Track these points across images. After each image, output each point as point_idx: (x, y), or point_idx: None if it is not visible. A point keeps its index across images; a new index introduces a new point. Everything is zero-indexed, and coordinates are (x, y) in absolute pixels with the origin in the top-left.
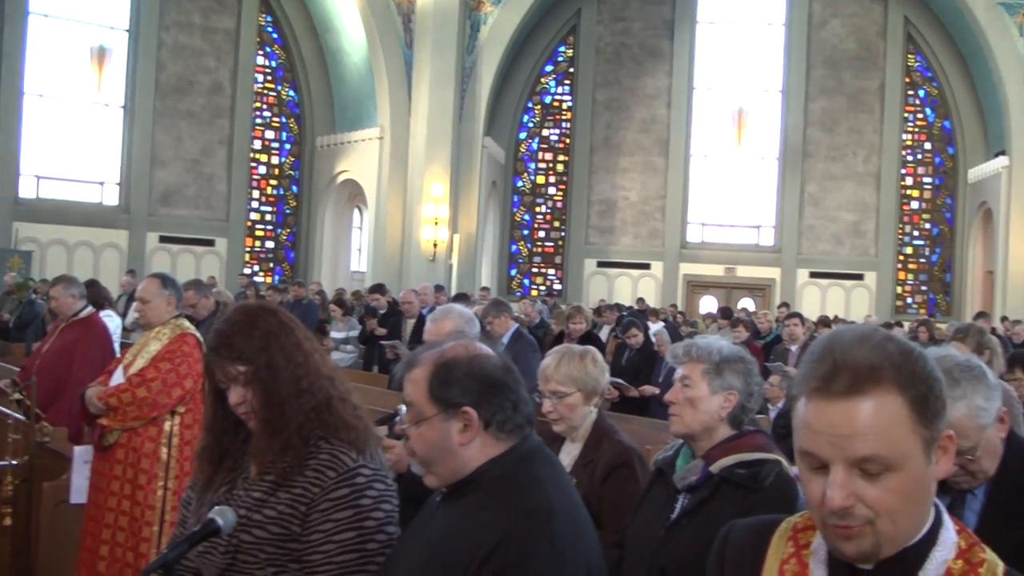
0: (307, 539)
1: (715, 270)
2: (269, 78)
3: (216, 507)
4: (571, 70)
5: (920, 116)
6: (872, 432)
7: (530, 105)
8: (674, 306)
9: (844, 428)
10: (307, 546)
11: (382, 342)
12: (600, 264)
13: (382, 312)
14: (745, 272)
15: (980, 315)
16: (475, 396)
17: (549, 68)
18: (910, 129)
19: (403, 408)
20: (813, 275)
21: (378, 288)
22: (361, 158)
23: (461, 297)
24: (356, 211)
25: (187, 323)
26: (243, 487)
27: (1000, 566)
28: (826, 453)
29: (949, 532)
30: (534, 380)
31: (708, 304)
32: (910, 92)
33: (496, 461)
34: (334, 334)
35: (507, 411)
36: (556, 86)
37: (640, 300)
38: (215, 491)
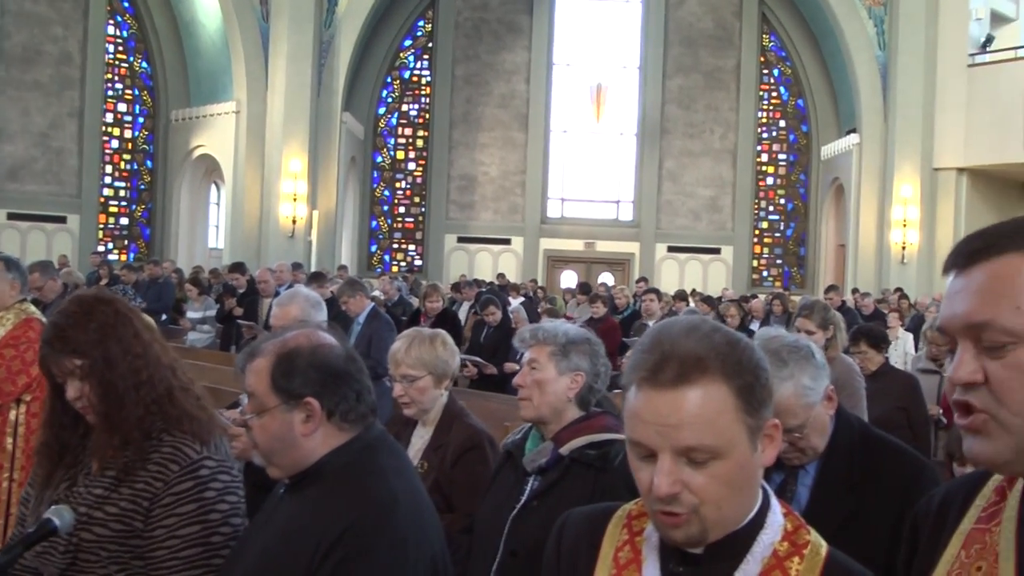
0: (150, 535)
1: (575, 245)
2: (120, 49)
3: (53, 506)
4: (430, 45)
5: (775, 95)
6: (699, 421)
7: (389, 80)
8: (534, 281)
9: (671, 417)
10: (150, 542)
11: (240, 322)
12: (460, 240)
13: (241, 291)
14: (605, 247)
15: (831, 288)
16: (318, 386)
17: (408, 43)
18: (765, 107)
19: (244, 398)
20: (671, 249)
21: (238, 267)
22: (217, 133)
23: (317, 276)
24: (213, 187)
25: (32, 307)
26: (84, 483)
27: (823, 547)
28: (654, 442)
29: (776, 515)
30: None
31: (568, 279)
32: (765, 71)
33: (339, 451)
34: (190, 314)
35: (350, 401)
36: (415, 61)
37: (500, 276)
38: (55, 488)
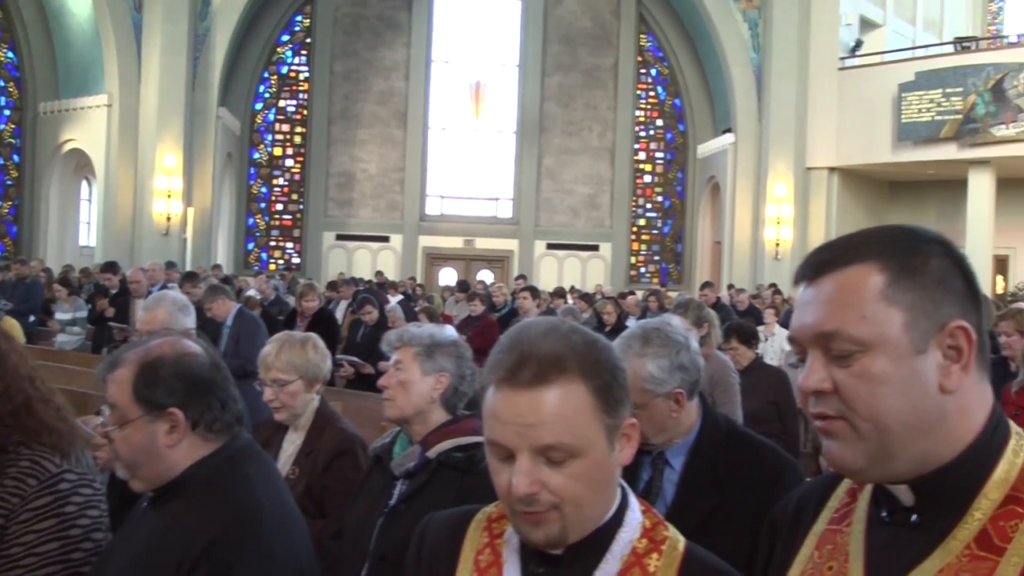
0: (7, 553)
1: (454, 242)
2: None
3: None
4: (308, 40)
5: (652, 94)
6: (557, 420)
7: (266, 75)
8: (413, 279)
9: (530, 417)
10: (7, 560)
11: (111, 324)
12: (339, 237)
13: (113, 292)
14: (484, 244)
15: (706, 284)
16: (182, 396)
17: (285, 38)
18: (642, 106)
19: (106, 409)
20: (551, 246)
21: (110, 266)
22: (88, 126)
23: (191, 276)
24: (84, 182)
25: None
26: None
27: (681, 542)
28: (512, 442)
29: (635, 513)
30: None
31: (447, 276)
32: (642, 71)
33: (204, 463)
34: (59, 315)
35: (215, 410)
36: (293, 56)
37: (379, 273)
38: None
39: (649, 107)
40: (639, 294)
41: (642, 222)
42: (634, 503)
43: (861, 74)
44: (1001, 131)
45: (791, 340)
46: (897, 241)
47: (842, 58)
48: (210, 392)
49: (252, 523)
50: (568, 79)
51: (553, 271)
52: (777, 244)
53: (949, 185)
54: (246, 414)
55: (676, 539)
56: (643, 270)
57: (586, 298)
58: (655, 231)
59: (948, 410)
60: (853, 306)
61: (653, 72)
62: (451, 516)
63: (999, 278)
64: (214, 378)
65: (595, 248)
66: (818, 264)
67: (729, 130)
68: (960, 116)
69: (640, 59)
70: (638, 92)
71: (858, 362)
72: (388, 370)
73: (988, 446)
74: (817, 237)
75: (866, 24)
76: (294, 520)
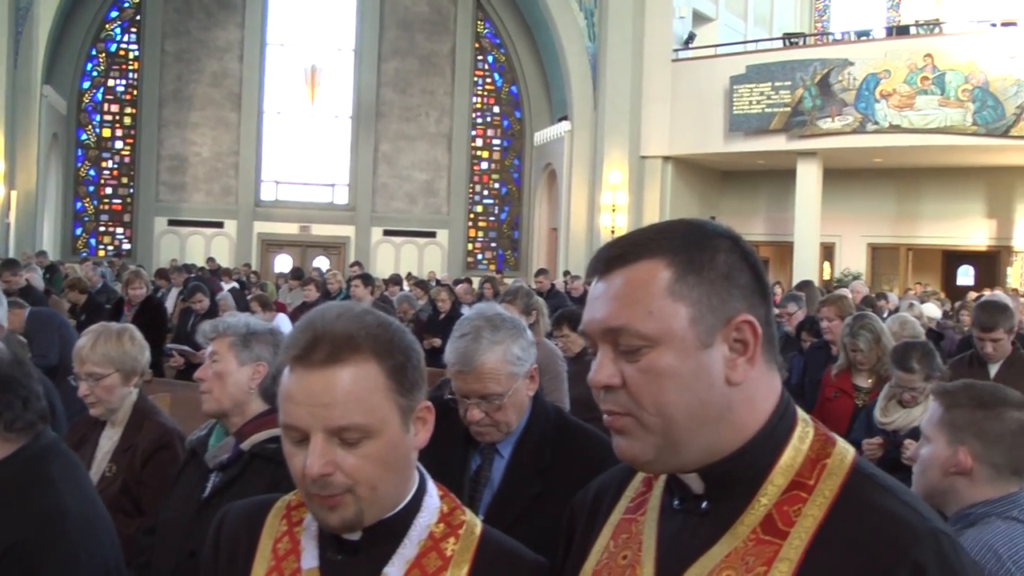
0: None
1: (290, 228)
2: None
3: None
4: (138, 18)
5: (489, 81)
6: (350, 400)
7: (94, 53)
8: (248, 266)
9: (323, 397)
10: None
11: None
12: (172, 222)
13: None
14: (320, 230)
15: (541, 271)
16: None
17: (114, 14)
18: (480, 93)
19: None
20: (387, 233)
21: None
22: None
23: (10, 264)
24: None
25: None
26: None
27: (478, 526)
28: (306, 423)
29: (432, 498)
30: (70, 351)
31: (283, 263)
32: (479, 57)
33: (4, 463)
34: None
35: (16, 409)
36: (122, 34)
37: (210, 260)
38: None
39: (486, 94)
40: (476, 281)
41: (479, 209)
42: (432, 488)
43: (694, 66)
44: (827, 124)
45: (583, 334)
46: (685, 236)
47: (675, 50)
48: (11, 389)
49: (56, 525)
50: (405, 65)
51: (390, 258)
52: (612, 231)
53: (779, 175)
54: (61, 412)
55: (473, 523)
56: (480, 257)
57: (422, 285)
58: (492, 218)
59: (735, 401)
60: (640, 302)
61: (490, 59)
62: (249, 505)
63: (826, 265)
64: (15, 375)
65: (432, 235)
66: (608, 259)
67: (565, 118)
68: (788, 109)
69: (477, 46)
70: (475, 79)
71: (645, 357)
72: (203, 364)
73: (774, 434)
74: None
75: (699, 18)
76: (101, 521)
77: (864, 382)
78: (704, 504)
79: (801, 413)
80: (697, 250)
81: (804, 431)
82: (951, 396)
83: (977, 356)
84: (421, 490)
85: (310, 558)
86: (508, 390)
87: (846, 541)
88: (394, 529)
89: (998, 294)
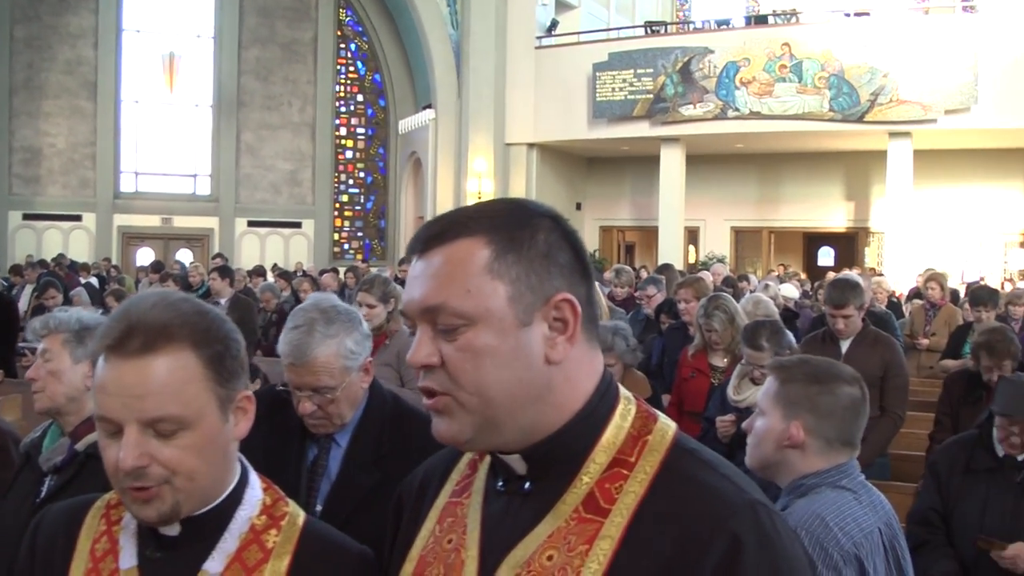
0: None
1: (151, 221)
2: None
3: None
4: None
5: (352, 69)
6: (165, 391)
7: None
8: (108, 260)
9: (137, 388)
10: None
11: None
12: (27, 216)
13: None
14: (183, 222)
15: (404, 260)
16: None
17: None
18: (343, 81)
19: None
20: (252, 224)
21: None
22: None
23: None
24: None
25: None
26: None
27: (301, 516)
28: (120, 415)
29: (255, 490)
30: None
31: (145, 256)
32: (342, 45)
33: None
34: None
35: None
36: None
37: (60, 256)
38: None
39: (349, 82)
40: (341, 271)
41: (345, 198)
42: (254, 480)
43: (557, 53)
44: (689, 110)
45: (403, 314)
46: (506, 215)
47: (539, 37)
48: None
49: None
50: (266, 52)
51: (255, 249)
52: None
53: (643, 161)
54: None
55: (296, 515)
56: (346, 247)
57: (286, 276)
58: (358, 207)
59: (555, 380)
60: (458, 280)
61: (353, 47)
62: (68, 506)
63: (691, 248)
64: None
65: (298, 225)
66: (427, 238)
67: (430, 106)
68: (651, 96)
69: (339, 33)
70: (338, 67)
71: (463, 336)
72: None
73: (596, 413)
74: None
75: (562, 5)
76: None
77: (720, 361)
78: (527, 485)
79: (623, 391)
80: (517, 229)
81: (626, 408)
82: (786, 371)
83: (829, 333)
84: (243, 482)
85: (128, 557)
86: (341, 383)
87: (666, 515)
88: (214, 523)
89: (851, 273)
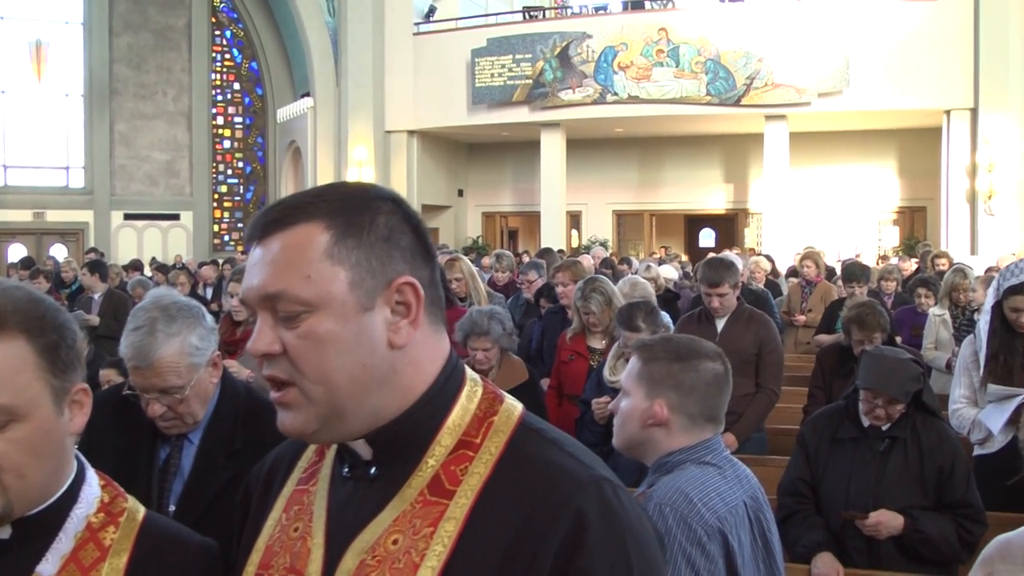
0: None
1: (22, 215)
2: None
3: None
4: None
5: (228, 56)
6: None
7: None
8: None
9: None
10: None
11: None
12: None
13: None
14: (56, 216)
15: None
16: None
17: None
18: (218, 69)
19: None
20: (128, 217)
21: None
22: None
23: None
24: None
25: None
26: None
27: (140, 512)
28: None
29: (92, 488)
30: None
31: (17, 252)
32: (217, 32)
33: None
34: None
35: None
36: None
37: None
38: None
39: (225, 70)
40: (221, 262)
41: (224, 189)
42: (92, 477)
43: (435, 40)
44: (568, 95)
45: (243, 302)
46: (345, 199)
47: (416, 24)
48: None
49: None
50: (139, 39)
51: (132, 243)
52: None
53: (524, 146)
54: None
55: (135, 510)
56: (227, 238)
57: (163, 269)
58: (237, 198)
59: (399, 364)
60: (298, 266)
61: (228, 34)
62: None
63: (574, 232)
64: None
65: (176, 217)
66: (265, 224)
67: (308, 94)
68: (530, 81)
69: (214, 20)
70: (213, 54)
71: (305, 323)
72: None
73: (441, 395)
74: None
75: None
76: None
77: (598, 343)
78: (373, 470)
79: (470, 373)
80: (357, 213)
81: (472, 390)
82: (648, 350)
83: (705, 312)
84: (79, 479)
85: None
86: (189, 381)
87: (511, 495)
88: (48, 522)
89: (727, 253)
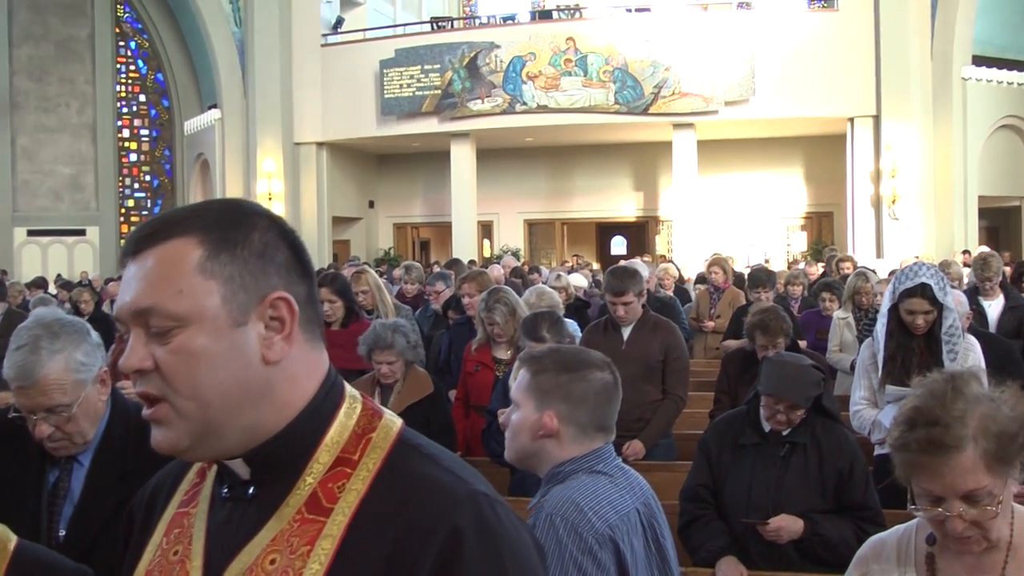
0: None
1: None
2: None
3: None
4: None
5: (132, 68)
6: None
7: None
8: None
9: None
10: None
11: None
12: None
13: None
14: None
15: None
16: None
17: None
18: (123, 80)
19: None
20: (32, 233)
21: None
22: None
23: None
24: None
25: None
26: None
27: (12, 541)
28: None
29: None
30: None
31: None
32: (121, 43)
33: None
34: None
35: None
36: None
37: None
38: None
39: (130, 82)
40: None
41: (131, 203)
42: None
43: (344, 51)
44: (477, 105)
45: (116, 319)
46: (219, 214)
47: (325, 35)
48: None
49: None
50: (40, 51)
51: (37, 259)
52: None
53: (434, 157)
54: None
55: (7, 539)
56: None
57: (67, 287)
58: (145, 212)
59: (275, 381)
60: (171, 280)
61: (132, 45)
62: None
63: (486, 242)
64: None
65: (82, 232)
66: (138, 239)
67: (215, 106)
68: (439, 91)
69: (118, 30)
70: (118, 65)
71: (177, 338)
72: None
73: (319, 412)
74: (309, 212)
75: (347, 2)
76: None
77: (503, 354)
78: (251, 489)
79: (349, 389)
80: (231, 228)
81: (352, 407)
82: (537, 362)
83: (611, 320)
84: None
85: None
86: (76, 399)
87: (387, 511)
88: None
89: (634, 261)
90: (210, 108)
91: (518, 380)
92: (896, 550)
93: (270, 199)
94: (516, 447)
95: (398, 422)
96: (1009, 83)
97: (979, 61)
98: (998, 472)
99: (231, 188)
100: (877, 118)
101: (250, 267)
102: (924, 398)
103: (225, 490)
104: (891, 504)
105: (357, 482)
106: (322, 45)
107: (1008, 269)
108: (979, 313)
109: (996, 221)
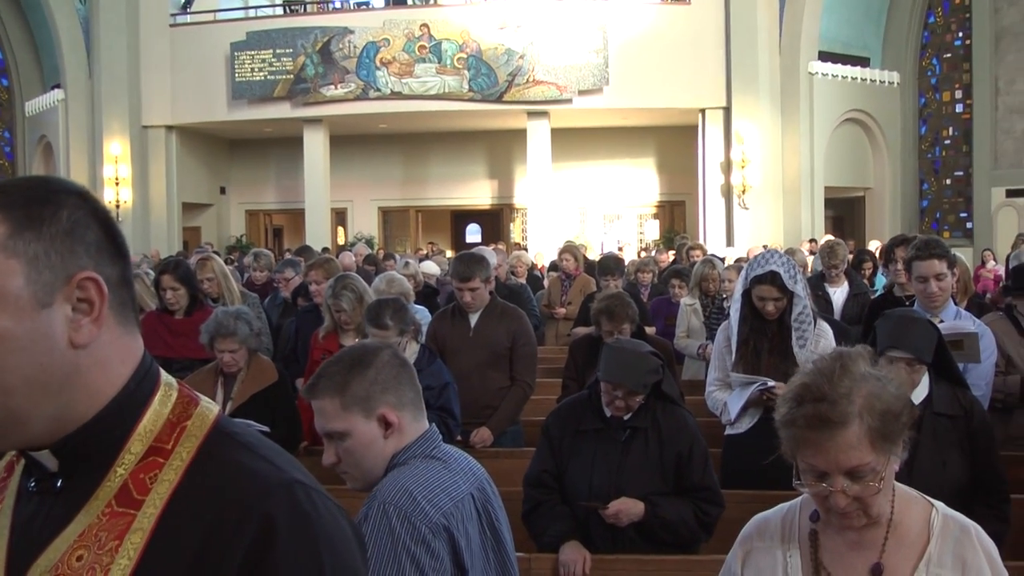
0: None
1: None
2: None
3: None
4: None
5: None
6: None
7: None
8: None
9: None
10: None
11: None
12: None
13: None
14: None
15: None
16: None
17: None
18: None
19: None
20: None
21: None
22: None
23: None
24: None
25: None
26: None
27: None
28: None
29: None
30: None
31: None
32: None
33: None
34: None
35: None
36: None
37: None
38: None
39: None
40: None
41: None
42: None
43: (193, 32)
44: (331, 91)
45: None
46: (26, 192)
47: (173, 15)
48: None
49: None
50: None
51: None
52: (118, 205)
53: (287, 142)
54: None
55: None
56: None
57: None
58: None
59: (83, 366)
60: None
61: None
62: None
63: (340, 230)
64: None
65: None
66: None
67: (58, 86)
68: (292, 76)
69: None
70: None
71: None
72: None
73: (132, 400)
74: (158, 197)
75: None
76: None
77: (351, 341)
78: (58, 482)
79: (165, 376)
80: (37, 205)
81: (167, 394)
82: (329, 380)
83: (458, 307)
84: None
85: None
86: None
87: (199, 502)
88: None
89: (483, 247)
90: (53, 88)
91: (327, 415)
92: (780, 527)
93: (117, 184)
94: (367, 468)
95: (214, 409)
96: (853, 78)
97: (825, 57)
98: (881, 449)
99: (75, 172)
100: (727, 110)
101: (56, 246)
102: (812, 375)
103: (32, 483)
104: (744, 483)
105: (170, 472)
106: (171, 25)
107: (850, 256)
108: (825, 300)
109: (841, 211)
